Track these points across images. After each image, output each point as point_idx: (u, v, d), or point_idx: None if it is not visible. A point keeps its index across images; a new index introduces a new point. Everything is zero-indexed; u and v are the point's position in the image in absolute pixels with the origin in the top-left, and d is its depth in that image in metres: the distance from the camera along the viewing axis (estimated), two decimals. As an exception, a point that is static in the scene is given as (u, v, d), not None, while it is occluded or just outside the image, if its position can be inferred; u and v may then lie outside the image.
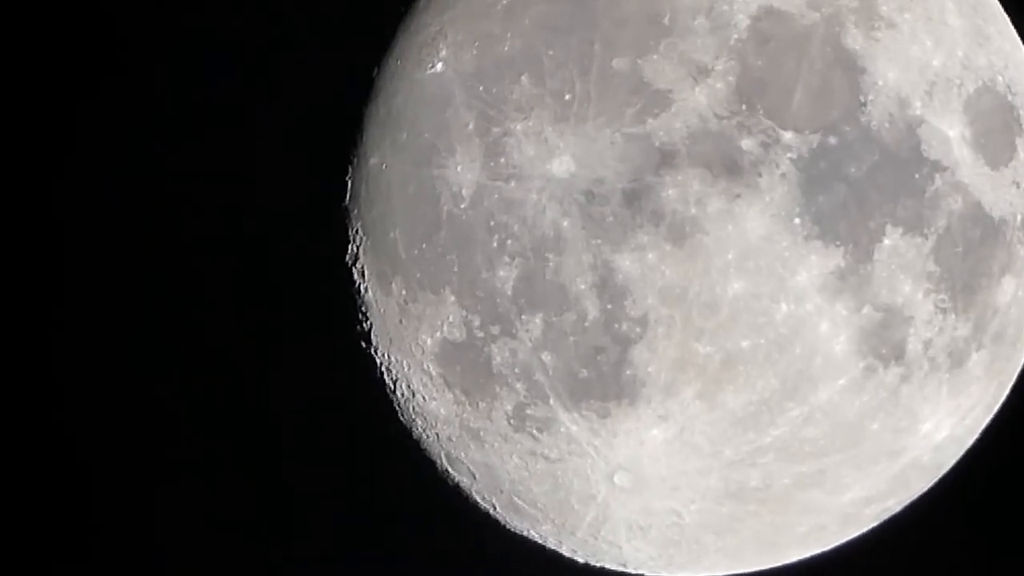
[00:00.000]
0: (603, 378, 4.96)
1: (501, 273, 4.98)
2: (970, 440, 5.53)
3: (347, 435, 6.89)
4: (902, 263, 4.92)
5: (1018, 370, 5.53)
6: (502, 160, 4.97)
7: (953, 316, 5.05)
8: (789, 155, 4.82)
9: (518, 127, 4.95)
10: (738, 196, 4.81)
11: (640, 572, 5.59)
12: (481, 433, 5.24)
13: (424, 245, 5.12)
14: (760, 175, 4.82)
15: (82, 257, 7.41)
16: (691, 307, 4.86)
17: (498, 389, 5.09)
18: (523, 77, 4.97)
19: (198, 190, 7.15)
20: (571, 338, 4.94)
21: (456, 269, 5.05)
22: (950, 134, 5.00)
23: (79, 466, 7.54)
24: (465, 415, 5.23)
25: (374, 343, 5.43)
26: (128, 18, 7.25)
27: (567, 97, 4.91)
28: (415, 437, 5.53)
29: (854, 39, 4.95)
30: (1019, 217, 5.16)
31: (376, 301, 5.36)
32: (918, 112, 4.97)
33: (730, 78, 4.85)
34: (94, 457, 7.52)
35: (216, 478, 7.42)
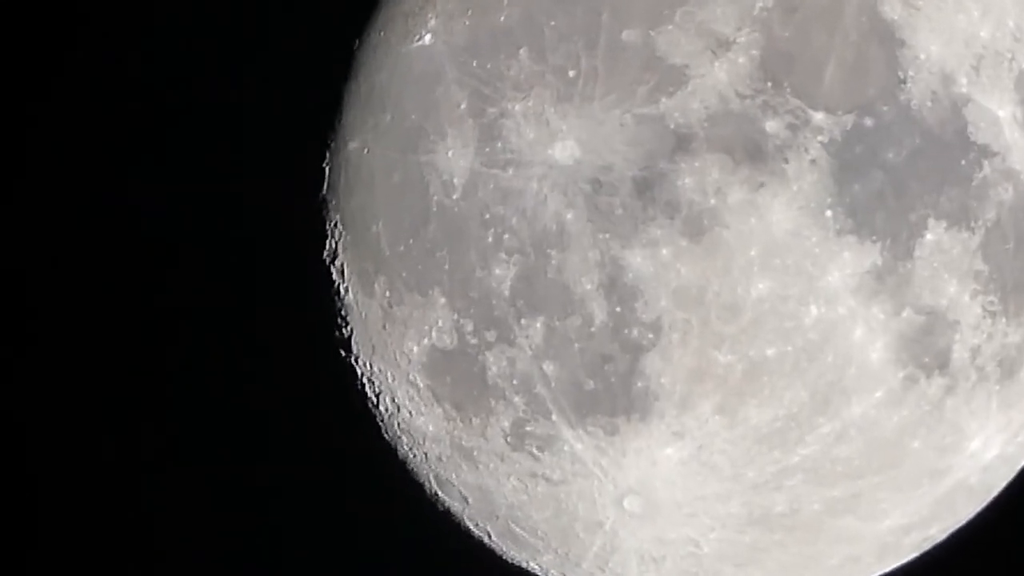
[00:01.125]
0: (611, 390, 4.92)
1: (497, 272, 4.94)
2: (1023, 459, 5.51)
3: (323, 455, 7.00)
4: (946, 261, 4.86)
5: (1076, 381, 5.43)
6: (498, 145, 4.95)
7: (1003, 320, 5.00)
8: (820, 139, 4.78)
9: (516, 107, 4.93)
10: (762, 185, 4.77)
11: (652, 609, 5.55)
12: (474, 452, 5.22)
13: (411, 240, 5.09)
14: (787, 161, 4.77)
15: (42, 255, 7.52)
16: (710, 310, 4.81)
17: (493, 403, 5.07)
18: (522, 51, 4.96)
19: (158, 179, 7.26)
20: (576, 345, 4.90)
21: (447, 267, 5.03)
22: (1000, 114, 4.96)
23: (39, 472, 7.73)
24: (456, 432, 5.21)
25: (354, 351, 5.42)
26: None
27: (571, 74, 4.88)
28: (400, 457, 5.51)
29: (892, 8, 4.92)
30: (1078, 209, 5.14)
31: (357, 304, 5.34)
32: (964, 90, 4.93)
33: (754, 52, 4.83)
34: (51, 468, 7.72)
35: (182, 502, 7.50)
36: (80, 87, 7.45)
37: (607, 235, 4.82)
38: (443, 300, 5.04)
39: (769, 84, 4.78)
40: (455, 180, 4.99)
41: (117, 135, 7.30)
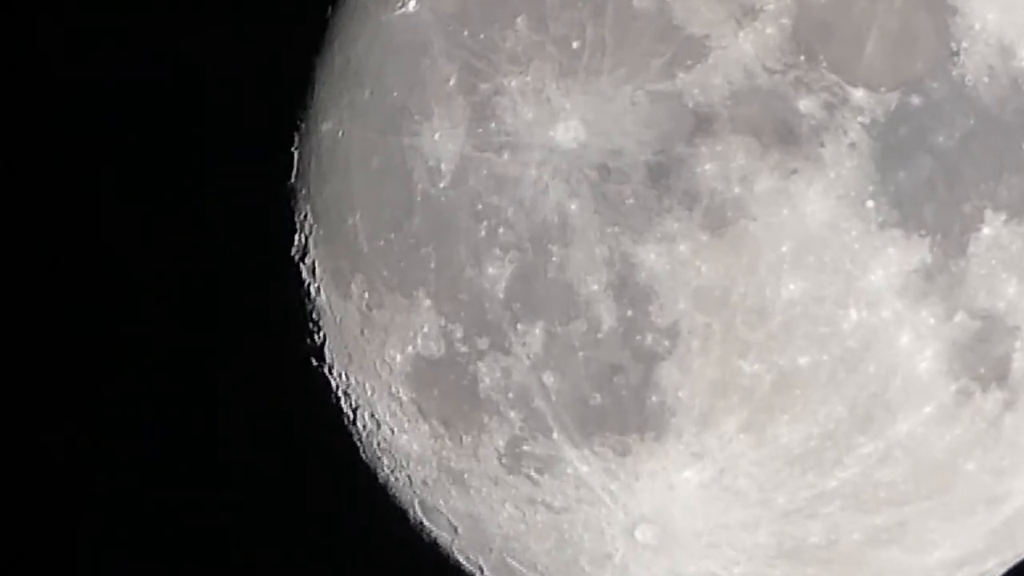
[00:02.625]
0: (621, 405, 4.86)
1: (491, 271, 4.88)
2: (1093, 485, 5.50)
3: (292, 479, 7.03)
4: (1005, 258, 4.80)
5: None
6: (492, 126, 4.89)
7: (1071, 325, 5.05)
8: (860, 119, 4.70)
9: (513, 83, 4.89)
10: (794, 172, 4.69)
11: (669, 654, 5.64)
12: (465, 475, 5.18)
13: (392, 234, 5.05)
14: (823, 145, 4.69)
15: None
16: (734, 314, 4.74)
17: (486, 419, 5.02)
18: (519, 19, 4.90)
19: (108, 165, 7.31)
20: (580, 354, 4.84)
21: (433, 265, 4.98)
22: (1068, 92, 4.99)
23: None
24: (445, 452, 5.17)
25: (328, 361, 5.38)
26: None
27: (575, 45, 4.83)
28: (381, 480, 5.48)
29: (943, -31, 4.98)
30: None
31: (330, 307, 5.29)
32: (1025, 63, 4.97)
33: (784, 20, 4.76)
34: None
35: (137, 545, 7.59)
36: (24, 61, 7.52)
37: (616, 229, 4.76)
38: (429, 302, 4.98)
39: (802, 57, 4.71)
40: (443, 166, 4.93)
41: (53, 113, 7.38)
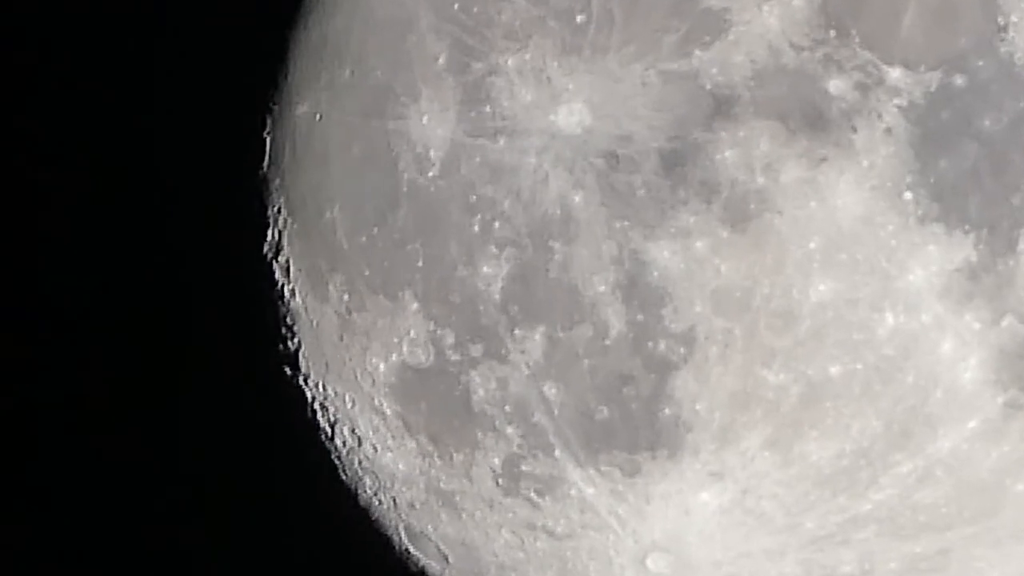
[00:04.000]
0: (631, 420, 4.80)
1: (485, 270, 4.85)
2: None
3: (266, 502, 7.02)
4: None
5: None
6: (487, 109, 4.87)
7: None
8: (897, 102, 4.60)
9: (509, 62, 4.84)
10: (824, 160, 4.61)
11: None
12: (456, 498, 5.18)
13: (375, 230, 5.04)
14: (855, 130, 4.60)
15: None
16: (757, 318, 4.67)
17: (481, 435, 5.00)
18: None
19: (65, 151, 7.29)
20: (585, 362, 4.79)
21: (421, 264, 4.96)
22: None
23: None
24: (434, 472, 5.17)
25: (303, 370, 5.39)
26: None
27: (580, 19, 4.78)
28: (363, 503, 5.49)
29: (989, -67, 4.91)
30: None
31: (306, 310, 5.30)
32: (1084, 40, 4.87)
33: None
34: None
35: (101, 561, 7.63)
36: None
37: (626, 223, 4.71)
38: (416, 305, 4.97)
39: (832, 32, 4.62)
40: (431, 153, 4.92)
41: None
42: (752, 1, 4.68)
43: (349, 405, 5.26)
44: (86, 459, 7.39)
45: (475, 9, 4.91)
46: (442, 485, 5.15)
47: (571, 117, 4.75)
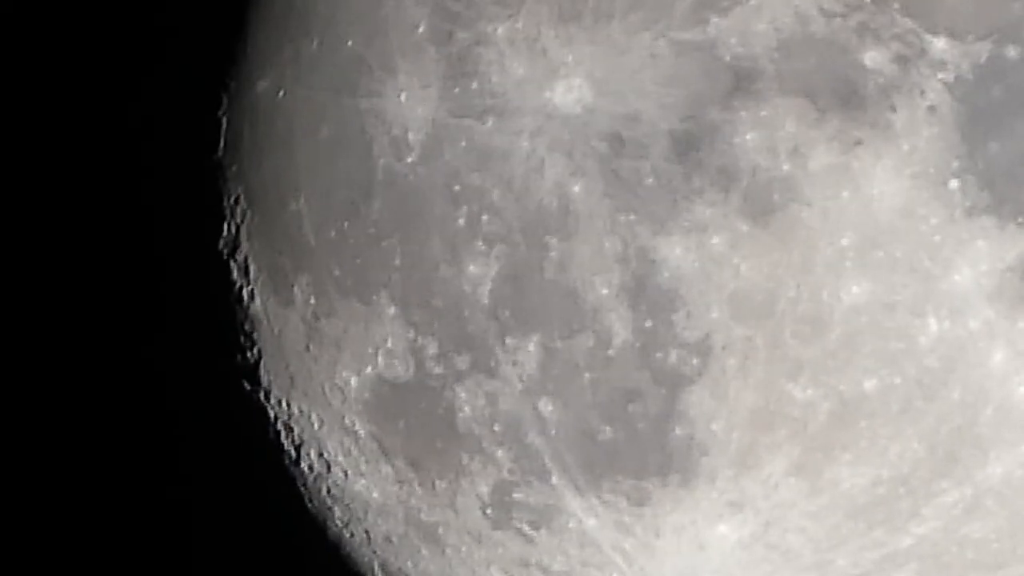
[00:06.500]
0: (638, 441, 4.73)
1: (472, 269, 4.78)
2: None
3: (223, 534, 7.02)
4: None
5: None
6: (473, 85, 4.80)
7: None
8: (941, 76, 4.50)
9: (499, 31, 4.77)
10: (859, 143, 4.51)
11: None
12: (439, 531, 5.12)
13: (346, 224, 4.99)
14: (894, 109, 4.50)
15: None
16: (782, 325, 4.59)
17: (467, 459, 4.94)
18: None
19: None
20: (586, 375, 4.71)
21: (398, 263, 4.90)
22: None
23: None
24: (414, 501, 5.12)
25: (265, 384, 5.34)
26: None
27: None
28: (332, 537, 5.45)
29: None
30: None
31: (268, 315, 5.26)
32: None
33: None
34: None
35: None
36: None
37: (632, 216, 4.63)
38: (393, 310, 4.92)
39: None
40: (410, 136, 4.85)
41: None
42: (777, -40, 4.73)
43: (316, 425, 5.23)
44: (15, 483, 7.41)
45: (460, -30, 4.96)
46: (423, 516, 5.11)
47: (569, 94, 4.66)
